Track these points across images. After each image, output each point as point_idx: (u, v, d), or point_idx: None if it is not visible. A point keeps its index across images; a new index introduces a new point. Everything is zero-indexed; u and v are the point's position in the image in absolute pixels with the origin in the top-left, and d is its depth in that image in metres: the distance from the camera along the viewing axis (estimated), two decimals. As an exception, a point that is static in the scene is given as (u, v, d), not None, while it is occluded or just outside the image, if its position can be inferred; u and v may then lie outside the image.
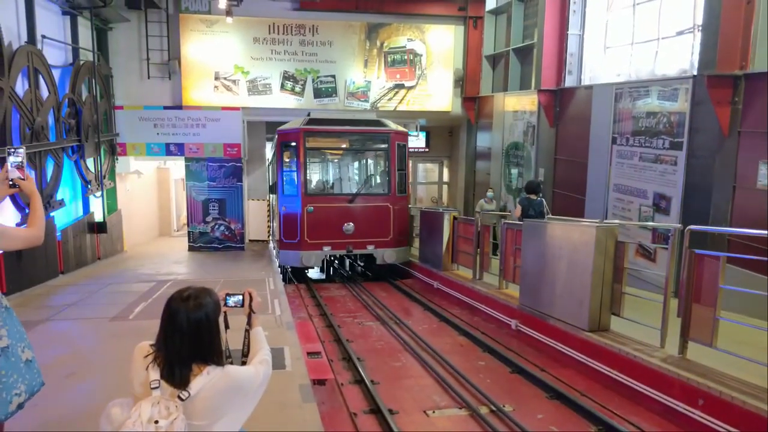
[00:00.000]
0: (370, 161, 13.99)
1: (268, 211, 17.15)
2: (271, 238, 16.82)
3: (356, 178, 14.44)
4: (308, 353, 6.31)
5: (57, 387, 4.75)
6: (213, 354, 2.28)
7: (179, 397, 2.21)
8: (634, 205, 9.29)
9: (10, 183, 2.82)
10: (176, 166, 20.62)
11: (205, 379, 2.24)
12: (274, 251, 13.97)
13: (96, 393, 4.70)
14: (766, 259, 5.52)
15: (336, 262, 13.58)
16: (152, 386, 2.22)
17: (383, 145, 12.50)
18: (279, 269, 12.15)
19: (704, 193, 7.90)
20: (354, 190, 12.70)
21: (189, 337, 2.23)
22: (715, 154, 7.72)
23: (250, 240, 16.49)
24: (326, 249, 11.96)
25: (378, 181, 13.02)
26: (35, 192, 2.88)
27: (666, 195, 8.61)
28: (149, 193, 19.75)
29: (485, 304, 8.89)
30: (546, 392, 5.83)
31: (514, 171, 13.65)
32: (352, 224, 11.93)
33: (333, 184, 13.81)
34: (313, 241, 11.87)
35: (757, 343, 4.94)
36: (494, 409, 5.34)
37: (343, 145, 13.30)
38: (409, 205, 13.82)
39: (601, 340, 6.10)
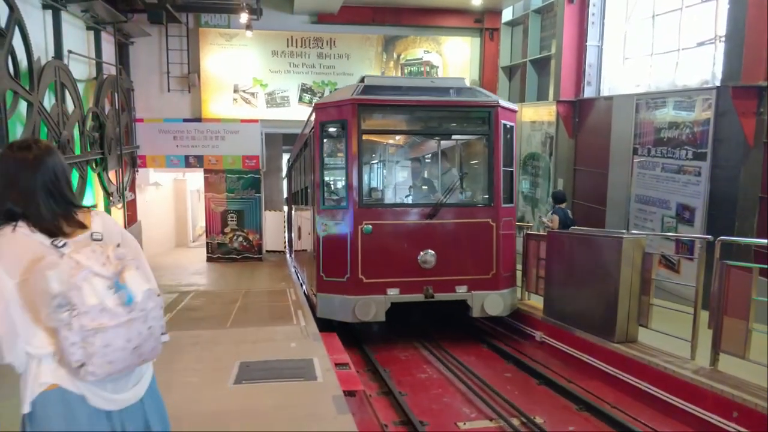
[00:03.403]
0: (460, 153, 9.30)
1: (284, 223, 17.25)
2: (287, 249, 16.88)
3: (439, 179, 9.10)
4: (336, 364, 6.33)
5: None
6: (75, 195, 2.26)
7: (93, 238, 2.12)
8: (656, 216, 9.26)
9: None
10: (193, 178, 20.86)
11: (99, 219, 2.24)
12: (293, 267, 12.27)
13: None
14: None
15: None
16: (57, 245, 2.03)
17: (482, 127, 8.17)
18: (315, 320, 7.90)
19: (729, 204, 7.88)
20: (435, 199, 8.18)
21: (58, 180, 2.15)
22: (740, 164, 7.70)
23: (267, 250, 16.57)
24: (392, 292, 7.68)
25: (473, 184, 8.77)
26: None
27: (690, 206, 8.59)
28: (167, 204, 19.96)
29: (508, 315, 8.87)
30: (575, 404, 5.81)
31: (531, 181, 13.65)
32: (432, 253, 7.72)
33: (402, 189, 9.32)
34: (372, 279, 7.68)
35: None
36: (525, 420, 5.34)
37: (419, 127, 8.83)
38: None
39: (630, 351, 6.08)
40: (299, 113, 15.12)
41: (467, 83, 9.18)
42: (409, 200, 8.79)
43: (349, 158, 7.73)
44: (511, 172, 8.44)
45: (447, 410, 5.76)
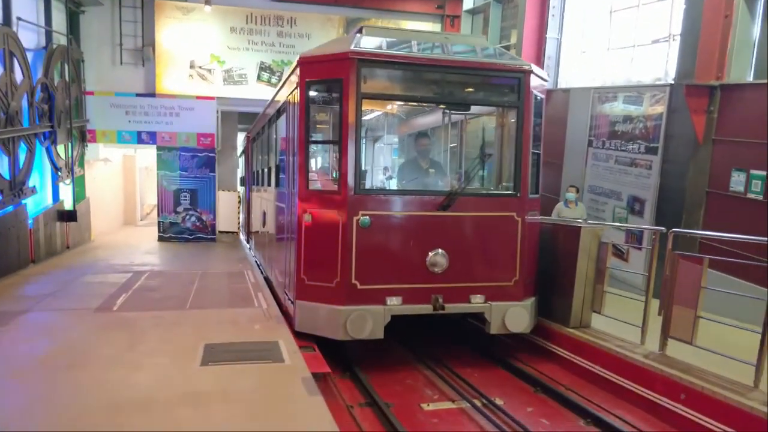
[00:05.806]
0: (482, 128, 7.53)
1: (239, 203, 17.02)
2: (241, 230, 16.67)
3: (453, 162, 7.79)
4: (300, 347, 6.37)
5: (61, 379, 4.71)
6: None
7: None
8: (608, 207, 9.63)
9: None
10: (142, 154, 20.28)
11: None
12: (250, 251, 12.05)
13: (103, 384, 4.65)
14: (745, 262, 5.86)
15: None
16: None
17: (510, 96, 6.58)
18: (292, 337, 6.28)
19: (677, 197, 8.28)
20: (449, 186, 6.79)
21: None
22: (690, 159, 8.09)
23: (220, 231, 16.34)
24: (393, 302, 6.21)
25: (496, 168, 7.06)
26: None
27: (640, 198, 8.98)
28: (115, 181, 19.36)
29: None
30: (532, 386, 6.05)
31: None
32: (443, 253, 6.24)
33: (408, 173, 7.43)
34: (368, 285, 6.17)
35: (729, 342, 5.22)
36: (486, 402, 5.53)
37: (432, 93, 6.67)
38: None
39: (584, 336, 6.36)
40: (258, 92, 14.93)
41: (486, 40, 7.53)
42: (417, 186, 7.02)
43: (345, 129, 6.00)
44: (539, 155, 6.95)
45: (410, 392, 5.89)
